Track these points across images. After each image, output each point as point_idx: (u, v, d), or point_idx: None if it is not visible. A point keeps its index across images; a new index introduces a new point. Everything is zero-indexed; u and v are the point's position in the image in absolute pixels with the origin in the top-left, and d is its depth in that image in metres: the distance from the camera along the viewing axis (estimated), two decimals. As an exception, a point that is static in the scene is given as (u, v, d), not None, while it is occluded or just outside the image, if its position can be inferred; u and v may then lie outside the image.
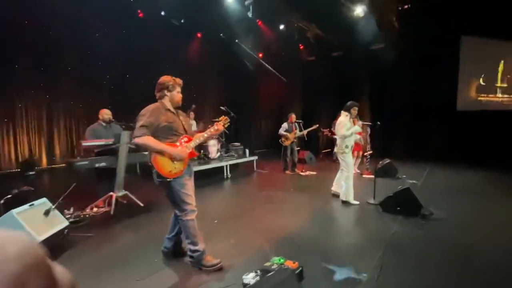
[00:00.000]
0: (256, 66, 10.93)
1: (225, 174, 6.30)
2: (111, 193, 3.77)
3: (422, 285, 2.12)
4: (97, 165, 3.64)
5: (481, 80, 7.85)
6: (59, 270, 0.44)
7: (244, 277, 1.99)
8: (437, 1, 7.14)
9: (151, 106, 2.29)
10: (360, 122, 4.14)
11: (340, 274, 2.26)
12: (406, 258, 2.52)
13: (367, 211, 3.81)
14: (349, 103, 4.20)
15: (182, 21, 8.67)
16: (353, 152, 6.18)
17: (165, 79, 2.34)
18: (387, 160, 6.06)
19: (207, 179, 5.89)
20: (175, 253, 2.48)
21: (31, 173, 6.50)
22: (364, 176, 6.12)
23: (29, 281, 0.36)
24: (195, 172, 5.76)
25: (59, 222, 2.71)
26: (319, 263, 2.42)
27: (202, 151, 6.44)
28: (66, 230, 2.77)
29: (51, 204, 2.71)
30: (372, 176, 4.93)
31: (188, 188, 2.30)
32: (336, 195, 4.35)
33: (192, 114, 6.75)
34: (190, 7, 7.66)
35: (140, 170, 6.25)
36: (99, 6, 6.75)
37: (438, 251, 2.65)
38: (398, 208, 3.56)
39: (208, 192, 5.07)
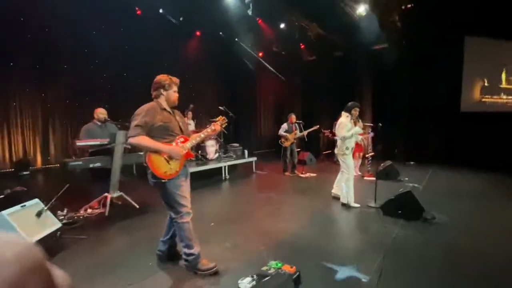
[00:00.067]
0: (256, 65, 10.93)
1: (223, 176, 6.28)
2: (106, 194, 3.76)
3: (423, 291, 2.11)
4: (91, 165, 3.63)
5: (485, 81, 7.84)
6: (58, 273, 0.43)
7: (239, 281, 1.97)
8: (440, 0, 7.14)
9: (147, 106, 2.27)
10: (361, 123, 4.12)
11: (339, 278, 2.25)
12: (407, 262, 2.51)
13: (367, 214, 3.79)
14: (350, 103, 4.19)
15: (181, 19, 8.66)
16: (354, 154, 6.21)
17: (161, 77, 2.33)
18: (389, 162, 6.05)
19: (205, 180, 5.88)
20: (170, 256, 2.46)
21: (25, 173, 6.48)
22: (365, 178, 6.11)
23: (27, 284, 0.35)
24: (193, 173, 5.79)
25: (51, 224, 2.69)
26: (318, 267, 2.41)
27: (200, 151, 6.43)
28: (58, 232, 2.75)
29: (43, 205, 2.69)
30: (373, 179, 4.91)
31: (184, 189, 2.29)
32: (337, 198, 4.34)
33: (190, 114, 6.74)
34: (188, 4, 7.67)
35: (136, 171, 6.23)
36: (97, 4, 6.75)
37: (440, 255, 2.63)
38: (400, 212, 3.54)
39: (205, 193, 5.05)
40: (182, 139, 2.33)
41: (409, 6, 7.67)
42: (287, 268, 2.08)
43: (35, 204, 2.67)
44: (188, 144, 2.33)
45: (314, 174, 6.57)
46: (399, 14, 7.77)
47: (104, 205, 3.72)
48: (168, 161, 2.21)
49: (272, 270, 2.05)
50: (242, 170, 7.26)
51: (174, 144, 2.27)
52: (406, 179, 5.78)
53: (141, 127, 2.15)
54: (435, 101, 7.82)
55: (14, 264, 0.35)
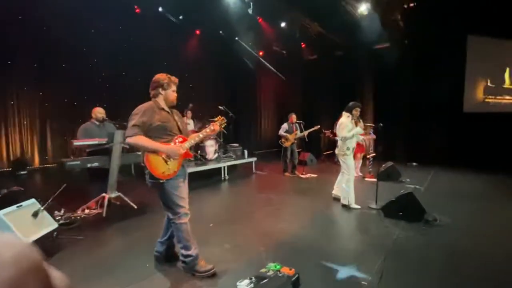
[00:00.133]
0: (256, 64, 10.92)
1: (222, 176, 6.28)
2: (104, 194, 3.76)
3: (424, 294, 2.10)
4: (89, 165, 3.63)
5: (488, 81, 7.83)
6: (56, 274, 0.43)
7: (238, 283, 1.97)
8: (443, -1, 7.14)
9: (145, 105, 2.27)
10: (362, 123, 4.12)
11: (339, 280, 2.25)
12: (408, 264, 2.51)
13: (368, 216, 3.79)
14: (351, 103, 4.18)
15: (180, 17, 8.67)
16: (356, 155, 6.21)
17: (159, 77, 2.33)
18: (390, 163, 6.04)
19: (204, 180, 5.88)
20: (168, 257, 2.46)
21: (22, 172, 6.49)
22: (366, 179, 6.10)
23: (25, 286, 0.35)
24: (192, 173, 5.80)
25: (48, 224, 2.69)
26: (317, 269, 2.40)
27: (199, 151, 6.43)
28: (55, 233, 2.75)
29: (40, 205, 2.69)
30: (375, 180, 4.91)
31: (182, 190, 2.29)
32: (337, 199, 4.33)
33: (189, 114, 6.74)
34: (188, 3, 7.67)
35: (134, 171, 6.24)
36: (96, 3, 6.76)
37: (441, 256, 2.63)
38: (401, 213, 3.54)
39: (204, 194, 5.06)
40: (180, 139, 2.33)
41: (411, 4, 7.66)
42: (286, 270, 2.08)
43: (31, 204, 2.68)
44: (187, 144, 2.33)
45: (315, 175, 6.56)
46: (401, 13, 7.76)
47: (101, 206, 3.72)
48: (166, 161, 2.21)
49: (270, 272, 2.05)
50: (242, 170, 7.26)
51: (172, 143, 2.27)
52: (408, 180, 5.77)
53: (138, 126, 2.15)
54: (438, 101, 7.80)
55: (12, 265, 0.35)
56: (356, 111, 4.10)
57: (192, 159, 6.39)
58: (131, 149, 3.94)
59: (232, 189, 5.67)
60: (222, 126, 2.59)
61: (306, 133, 6.61)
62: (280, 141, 6.65)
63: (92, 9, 6.95)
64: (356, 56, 9.18)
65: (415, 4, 7.63)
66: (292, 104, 10.11)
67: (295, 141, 6.65)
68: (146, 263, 2.47)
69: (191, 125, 6.79)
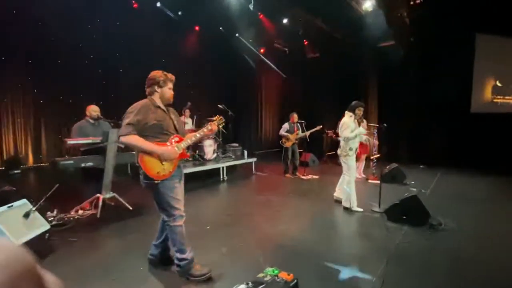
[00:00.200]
0: (257, 62, 10.91)
1: (221, 177, 6.27)
2: (98, 195, 3.75)
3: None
4: (83, 164, 3.63)
5: (497, 81, 7.79)
6: (50, 278, 0.43)
7: (234, 289, 1.95)
8: (450, -5, 7.11)
9: (140, 103, 2.26)
10: (366, 123, 4.10)
11: (340, 286, 2.23)
12: (411, 270, 2.49)
13: (371, 219, 3.77)
14: (354, 102, 4.16)
15: (179, 13, 8.66)
16: (360, 155, 6.19)
17: (156, 74, 2.32)
18: (395, 165, 6.03)
19: (202, 181, 5.88)
20: (163, 261, 2.45)
21: (16, 171, 6.50)
22: (369, 181, 6.08)
23: None
24: (189, 174, 5.80)
25: (39, 225, 2.68)
26: (316, 274, 2.39)
27: (197, 151, 6.42)
28: (47, 234, 2.74)
29: (31, 206, 2.69)
30: (378, 182, 4.88)
31: (177, 191, 2.27)
32: (339, 201, 4.32)
33: (187, 112, 6.73)
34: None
35: (131, 171, 6.23)
36: (92, -4, 6.76)
37: (446, 262, 2.61)
38: (405, 217, 3.52)
39: (202, 195, 5.05)
40: (176, 139, 2.32)
41: (417, 1, 7.62)
42: (284, 276, 2.06)
43: (22, 204, 2.67)
44: (183, 144, 2.32)
45: (317, 176, 6.54)
46: (407, 9, 7.72)
47: (96, 207, 3.71)
48: (161, 162, 2.19)
49: (268, 278, 2.03)
50: (241, 171, 7.25)
51: (168, 143, 2.26)
52: (413, 182, 5.75)
53: (133, 125, 2.14)
54: (444, 101, 7.76)
55: (4, 269, 0.35)
56: (359, 111, 4.08)
57: (190, 159, 6.39)
58: (127, 148, 3.92)
59: (231, 191, 5.66)
60: (220, 126, 2.57)
61: (307, 133, 6.59)
62: (280, 141, 6.64)
63: (89, 4, 6.95)
64: (360, 54, 9.15)
65: (421, 0, 7.60)
66: (293, 103, 10.09)
67: (297, 142, 6.64)
68: (140, 266, 2.46)
69: (189, 124, 6.78)
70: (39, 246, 2.60)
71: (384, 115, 8.59)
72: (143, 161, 2.17)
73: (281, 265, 2.36)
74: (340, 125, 4.17)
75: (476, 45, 7.69)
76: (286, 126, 6.57)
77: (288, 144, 6.52)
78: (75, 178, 4.19)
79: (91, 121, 4.00)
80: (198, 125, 6.94)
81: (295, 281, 2.05)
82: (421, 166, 7.58)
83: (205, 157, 6.31)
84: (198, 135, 2.42)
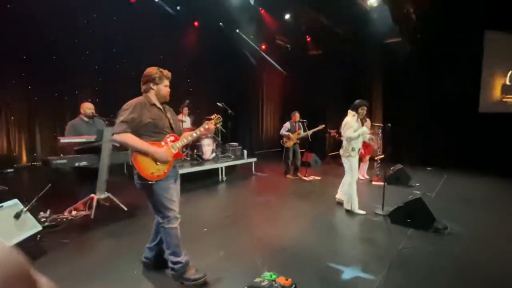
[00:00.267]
0: (258, 59, 10.88)
1: (220, 177, 6.27)
2: (92, 195, 3.75)
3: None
4: (76, 164, 3.62)
5: (507, 80, 7.73)
6: (43, 281, 0.43)
7: (230, 294, 1.94)
8: (459, -10, 7.06)
9: (134, 100, 2.25)
10: (369, 122, 4.06)
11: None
12: (414, 276, 2.47)
13: (373, 222, 3.76)
14: (357, 101, 4.14)
15: (178, 8, 8.64)
16: (364, 156, 6.17)
17: (151, 70, 2.31)
18: (399, 166, 6.00)
19: (200, 182, 5.87)
20: (157, 264, 2.44)
21: (9, 170, 6.52)
22: (373, 182, 6.06)
23: None
24: (187, 174, 5.78)
25: (31, 227, 2.68)
26: (316, 280, 2.37)
27: (195, 151, 6.42)
28: (38, 236, 2.74)
29: (22, 206, 2.69)
30: (382, 183, 4.86)
31: (172, 192, 2.26)
32: (341, 203, 4.30)
33: (185, 110, 6.72)
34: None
35: (127, 171, 6.23)
36: (88, -10, 6.76)
37: (451, 268, 2.60)
38: (409, 220, 3.50)
39: (200, 196, 5.04)
40: (172, 138, 2.31)
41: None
42: (282, 281, 2.05)
43: (13, 205, 2.67)
44: (179, 144, 2.31)
45: (318, 177, 6.52)
46: (413, 5, 7.67)
47: (90, 207, 3.71)
48: (155, 161, 2.18)
49: (265, 282, 2.02)
50: (241, 171, 7.24)
51: (163, 142, 2.25)
52: (418, 184, 5.72)
53: (127, 123, 2.13)
54: (451, 100, 7.71)
55: None
56: (363, 110, 4.06)
57: (187, 158, 6.39)
58: (122, 147, 3.92)
59: (229, 191, 5.65)
60: (218, 125, 2.56)
61: (310, 132, 6.57)
62: (281, 141, 6.62)
63: (85, -1, 6.94)
64: (365, 51, 9.10)
65: (428, -5, 7.55)
66: (295, 102, 10.02)
67: (298, 141, 6.61)
68: (134, 269, 2.46)
69: (187, 122, 6.77)
70: (30, 248, 2.60)
71: (389, 114, 8.55)
72: (136, 161, 2.17)
73: (280, 269, 2.36)
74: (342, 125, 4.15)
75: (485, 42, 7.63)
76: (287, 125, 6.55)
77: (289, 144, 6.50)
78: (68, 178, 4.18)
79: (86, 119, 4.00)
80: (198, 124, 6.93)
81: (294, 286, 2.05)
82: (428, 168, 7.50)
83: (203, 157, 6.30)
84: (194, 134, 2.41)
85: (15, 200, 2.73)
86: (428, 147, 8.10)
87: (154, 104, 2.29)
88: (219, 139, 6.75)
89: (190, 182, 5.65)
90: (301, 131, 6.58)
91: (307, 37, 10.15)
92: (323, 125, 6.81)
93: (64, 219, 3.57)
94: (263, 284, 2.01)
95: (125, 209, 3.88)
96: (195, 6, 8.39)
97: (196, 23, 9.64)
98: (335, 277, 2.45)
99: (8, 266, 0.36)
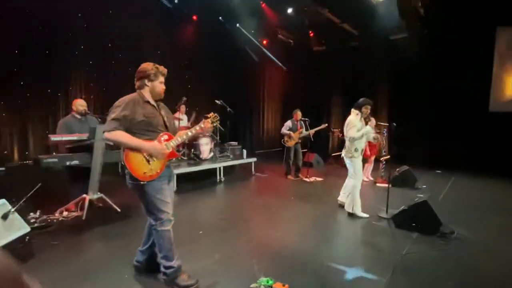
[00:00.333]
0: (259, 55, 10.85)
1: (218, 178, 6.26)
2: (84, 195, 3.75)
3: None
4: (68, 163, 3.61)
5: (519, 78, 7.68)
6: (36, 286, 0.43)
7: (224, 300, 1.93)
8: (469, -15, 7.01)
9: (128, 97, 2.24)
10: (374, 121, 4.03)
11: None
12: (418, 282, 2.46)
13: (377, 226, 3.74)
14: (361, 100, 4.11)
15: (176, 1, 8.62)
16: (369, 156, 6.13)
17: (146, 66, 2.29)
18: (405, 167, 5.98)
19: (197, 182, 5.87)
20: (149, 268, 2.43)
21: (0, 169, 6.52)
22: (378, 184, 6.04)
23: None
24: (183, 174, 5.76)
25: (19, 228, 2.67)
26: (314, 286, 2.35)
27: (192, 150, 6.41)
28: (27, 237, 2.73)
29: (10, 207, 2.68)
30: (387, 185, 4.84)
31: (165, 193, 2.25)
32: (343, 206, 4.28)
33: (182, 108, 6.70)
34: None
35: (121, 170, 6.23)
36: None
37: (457, 275, 2.57)
38: (414, 224, 3.49)
39: (196, 197, 5.03)
40: (166, 137, 2.30)
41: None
42: (279, 286, 2.04)
43: (1, 205, 2.66)
44: (173, 143, 2.29)
45: (321, 179, 6.51)
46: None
47: (82, 208, 3.71)
48: (148, 161, 2.17)
49: (261, 288, 2.01)
50: (240, 172, 7.24)
51: (156, 141, 2.24)
52: (424, 186, 5.71)
53: (119, 121, 2.12)
54: (460, 99, 7.68)
55: None
56: (366, 109, 4.03)
57: (184, 158, 6.38)
58: (116, 145, 3.91)
59: (227, 193, 5.64)
60: (215, 124, 2.54)
61: (312, 131, 6.55)
62: (282, 140, 6.60)
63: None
64: (370, 47, 9.06)
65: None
66: (297, 99, 10.01)
67: (300, 141, 6.60)
68: (125, 273, 2.45)
69: (184, 120, 6.76)
70: (17, 250, 2.60)
71: (395, 113, 8.51)
72: (128, 160, 2.16)
73: (277, 275, 2.35)
74: (345, 124, 4.13)
75: (497, 39, 7.59)
76: (288, 124, 6.52)
77: (290, 143, 6.48)
78: (60, 178, 4.18)
79: (78, 116, 4.00)
80: (197, 122, 6.92)
81: (291, 292, 2.03)
82: (438, 171, 7.36)
83: (200, 156, 6.28)
84: (189, 133, 2.39)
85: (3, 200, 2.72)
86: (436, 147, 8.07)
87: (147, 101, 2.28)
88: (218, 138, 6.73)
89: (186, 183, 5.65)
90: (303, 130, 6.56)
91: (310, 32, 10.11)
92: (326, 124, 6.79)
93: (55, 220, 3.56)
94: (259, 290, 2.00)
95: (118, 210, 3.88)
96: (194, -1, 8.38)
97: (194, 17, 9.61)
98: (336, 283, 2.43)
99: (1, 271, 0.36)
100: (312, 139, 6.77)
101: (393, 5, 7.42)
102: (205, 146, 6.36)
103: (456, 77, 7.65)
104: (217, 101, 6.72)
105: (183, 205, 4.46)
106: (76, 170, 3.79)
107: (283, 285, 2.06)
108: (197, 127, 2.39)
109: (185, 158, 6.43)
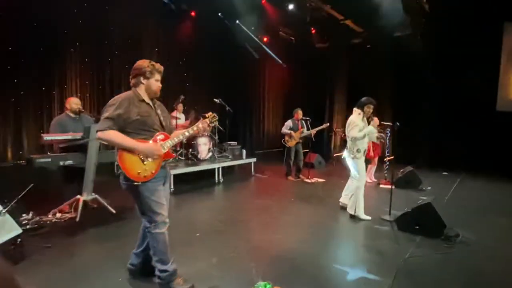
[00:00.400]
0: (259, 52, 10.83)
1: (216, 178, 6.25)
2: (78, 196, 3.75)
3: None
4: (61, 163, 3.61)
5: (527, 76, 7.66)
6: None
7: (219, 305, 1.92)
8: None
9: (122, 95, 2.23)
10: (377, 120, 4.01)
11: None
12: (421, 287, 2.44)
13: (379, 229, 3.73)
14: (363, 98, 4.10)
15: (174, -3, 8.61)
16: (373, 157, 6.11)
17: (142, 63, 2.28)
18: (410, 168, 5.96)
19: (195, 183, 5.86)
20: (143, 271, 2.42)
21: (-7, 169, 6.53)
22: (381, 186, 6.02)
23: None
24: (181, 175, 5.76)
25: (10, 229, 2.67)
26: (315, 290, 2.35)
27: (190, 150, 6.40)
28: (18, 239, 2.74)
29: (1, 208, 2.68)
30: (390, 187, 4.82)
31: (160, 195, 2.24)
32: (345, 208, 4.27)
33: (180, 107, 6.70)
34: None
35: (117, 170, 6.23)
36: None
37: (461, 279, 2.57)
38: (417, 227, 3.47)
39: (194, 199, 5.03)
40: (162, 136, 2.29)
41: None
42: (277, 291, 2.03)
43: (-8, 206, 2.66)
44: (169, 143, 2.29)
45: (322, 180, 6.50)
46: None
47: (75, 209, 3.71)
48: (143, 161, 2.17)
49: (259, 293, 2.00)
50: (239, 172, 7.23)
51: (151, 141, 2.23)
52: (429, 188, 5.69)
53: (112, 120, 2.11)
54: (466, 97, 7.65)
55: None
56: (369, 108, 4.02)
57: (181, 158, 6.38)
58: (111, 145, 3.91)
59: (226, 194, 5.63)
60: (213, 124, 2.53)
61: (313, 131, 6.53)
62: (283, 140, 6.59)
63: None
64: (374, 44, 9.05)
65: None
66: (298, 98, 10.02)
67: (301, 141, 6.59)
68: (119, 277, 2.45)
69: (181, 119, 6.76)
70: (8, 252, 2.60)
71: (399, 112, 8.48)
72: (122, 160, 2.15)
73: (276, 279, 2.35)
74: (347, 124, 4.12)
75: (504, 35, 7.55)
76: (289, 123, 6.51)
77: (291, 143, 6.47)
78: (54, 178, 4.18)
79: (72, 115, 3.99)
80: (196, 121, 6.91)
81: (289, 297, 2.02)
82: (444, 173, 7.30)
83: (198, 156, 6.28)
84: (186, 133, 2.39)
85: (-6, 201, 2.72)
86: (441, 147, 8.05)
87: (143, 100, 2.27)
88: (216, 137, 6.72)
89: (184, 184, 5.65)
90: (304, 129, 6.55)
91: (312, 29, 10.09)
92: (328, 124, 6.78)
93: (48, 222, 3.57)
94: (256, 294, 1.99)
95: (113, 211, 3.88)
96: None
97: (193, 13, 9.59)
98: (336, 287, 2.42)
99: None
100: (314, 139, 6.76)
101: (397, 0, 7.40)
102: (204, 146, 6.36)
103: (462, 75, 7.63)
104: (216, 100, 6.71)
105: (180, 207, 4.46)
106: (70, 170, 3.79)
107: (281, 290, 2.05)
108: (195, 127, 2.38)
109: (183, 158, 6.43)
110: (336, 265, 2.80)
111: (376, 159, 6.34)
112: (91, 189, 3.84)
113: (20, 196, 3.03)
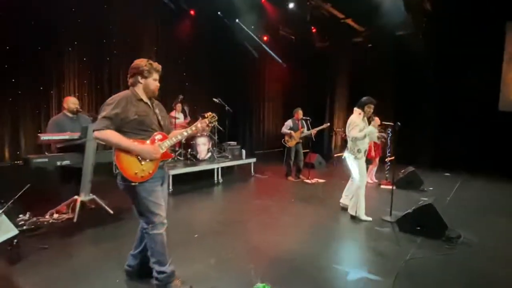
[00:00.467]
0: (259, 51, 10.83)
1: (215, 179, 6.25)
2: (76, 197, 3.74)
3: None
4: (59, 163, 3.61)
5: (529, 75, 7.65)
6: None
7: (218, 306, 1.92)
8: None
9: (120, 95, 2.23)
10: (378, 120, 4.00)
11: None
12: (422, 290, 2.44)
13: (380, 230, 3.72)
14: (364, 98, 4.09)
15: (173, -5, 8.62)
16: (374, 158, 6.11)
17: (140, 62, 2.27)
18: (411, 169, 5.96)
19: (194, 184, 5.86)
20: (141, 272, 2.42)
21: (-10, 169, 6.53)
22: (382, 186, 6.02)
23: None
24: (179, 175, 5.75)
25: (6, 230, 2.67)
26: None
27: (189, 150, 6.40)
28: (15, 240, 2.73)
29: (-3, 209, 2.68)
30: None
31: (157, 195, 2.24)
32: (346, 209, 4.27)
33: (178, 106, 6.71)
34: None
35: (116, 170, 6.24)
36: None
37: (463, 281, 2.56)
38: (418, 228, 3.47)
39: (192, 199, 5.03)
40: (160, 136, 2.29)
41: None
42: (276, 293, 2.02)
43: (-12, 207, 2.66)
44: (167, 143, 2.28)
45: (322, 180, 6.49)
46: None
47: (73, 210, 3.70)
48: (140, 161, 2.16)
49: (257, 294, 2.00)
50: (239, 173, 7.23)
51: (149, 141, 2.22)
52: (431, 188, 5.69)
53: (110, 119, 2.11)
54: (469, 97, 7.64)
55: None
56: (369, 108, 4.01)
57: (180, 158, 6.38)
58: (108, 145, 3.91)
59: (225, 194, 5.63)
60: (212, 124, 2.52)
61: (314, 131, 6.53)
62: (283, 140, 6.59)
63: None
64: (375, 43, 9.04)
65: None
66: (299, 98, 10.01)
67: (301, 141, 6.58)
68: (116, 278, 2.44)
69: (180, 119, 6.76)
70: (4, 253, 2.60)
71: (400, 112, 8.47)
72: (119, 160, 2.14)
73: (275, 280, 2.34)
74: (347, 124, 4.11)
75: (507, 35, 7.55)
76: (289, 123, 6.51)
77: (291, 143, 6.46)
78: (51, 178, 4.18)
79: (69, 114, 3.99)
80: (195, 121, 6.91)
81: (288, 299, 2.02)
82: (446, 174, 7.29)
83: (197, 156, 6.28)
84: (185, 133, 2.38)
85: (-10, 202, 2.72)
86: (443, 148, 8.03)
87: (141, 99, 2.26)
88: (216, 137, 6.73)
89: (182, 184, 5.64)
90: (305, 129, 6.54)
91: (313, 28, 10.09)
92: (328, 124, 6.78)
93: (45, 223, 3.56)
94: (254, 296, 1.99)
95: (111, 212, 3.88)
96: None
97: (192, 12, 9.59)
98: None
99: None
100: (314, 139, 6.76)
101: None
102: (203, 146, 6.36)
103: (464, 74, 7.62)
104: (215, 100, 6.72)
105: (179, 207, 4.46)
106: (68, 170, 3.79)
107: (280, 291, 2.05)
108: (193, 127, 2.38)
109: (182, 158, 6.43)
110: (336, 266, 2.80)
111: (377, 160, 6.34)
112: (88, 189, 3.83)
113: (17, 196, 3.03)
